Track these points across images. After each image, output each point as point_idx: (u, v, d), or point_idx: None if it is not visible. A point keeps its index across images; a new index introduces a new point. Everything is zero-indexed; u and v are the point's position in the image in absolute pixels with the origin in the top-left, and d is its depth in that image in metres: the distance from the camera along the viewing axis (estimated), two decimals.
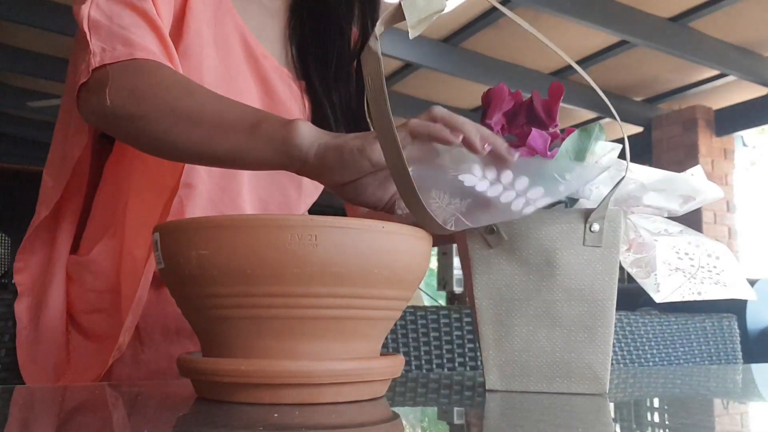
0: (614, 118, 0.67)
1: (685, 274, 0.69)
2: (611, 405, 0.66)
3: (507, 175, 0.61)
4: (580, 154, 0.68)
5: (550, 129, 0.72)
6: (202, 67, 0.86)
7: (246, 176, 0.92)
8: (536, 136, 0.69)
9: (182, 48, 0.85)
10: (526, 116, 0.73)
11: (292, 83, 0.98)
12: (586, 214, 0.67)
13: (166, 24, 0.82)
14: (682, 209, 0.71)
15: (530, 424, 0.53)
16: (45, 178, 0.88)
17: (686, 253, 0.70)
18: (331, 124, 0.98)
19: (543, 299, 0.68)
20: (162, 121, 0.71)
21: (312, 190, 1.01)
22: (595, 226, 0.66)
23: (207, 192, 0.89)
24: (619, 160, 0.69)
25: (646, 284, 0.70)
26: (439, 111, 0.65)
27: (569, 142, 0.69)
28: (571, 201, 0.71)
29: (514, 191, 0.61)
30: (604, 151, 0.69)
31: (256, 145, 0.68)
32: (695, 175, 0.72)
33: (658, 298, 0.69)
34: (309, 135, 0.65)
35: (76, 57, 0.80)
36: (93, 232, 0.91)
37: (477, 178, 0.60)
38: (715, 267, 0.69)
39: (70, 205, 0.91)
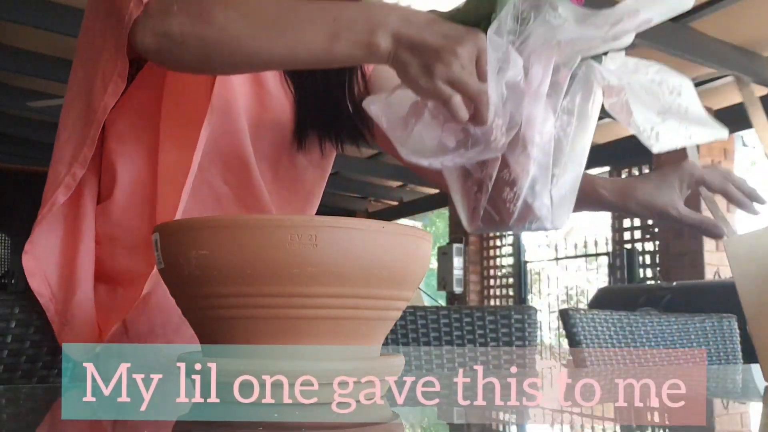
0: None
1: (674, 117, 0.69)
2: (611, 405, 0.66)
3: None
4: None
5: None
6: None
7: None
8: None
9: None
10: None
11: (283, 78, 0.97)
12: None
13: None
14: (610, 33, 0.67)
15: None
16: (59, 156, 0.84)
17: (653, 92, 0.69)
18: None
19: None
20: (241, 39, 0.71)
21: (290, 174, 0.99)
22: None
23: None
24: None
25: (638, 134, 0.71)
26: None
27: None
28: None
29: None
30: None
31: (338, 54, 0.69)
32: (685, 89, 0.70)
33: (656, 148, 0.70)
34: (391, 38, 0.67)
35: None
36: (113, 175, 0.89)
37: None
38: (679, 105, 0.69)
39: (90, 174, 0.88)
